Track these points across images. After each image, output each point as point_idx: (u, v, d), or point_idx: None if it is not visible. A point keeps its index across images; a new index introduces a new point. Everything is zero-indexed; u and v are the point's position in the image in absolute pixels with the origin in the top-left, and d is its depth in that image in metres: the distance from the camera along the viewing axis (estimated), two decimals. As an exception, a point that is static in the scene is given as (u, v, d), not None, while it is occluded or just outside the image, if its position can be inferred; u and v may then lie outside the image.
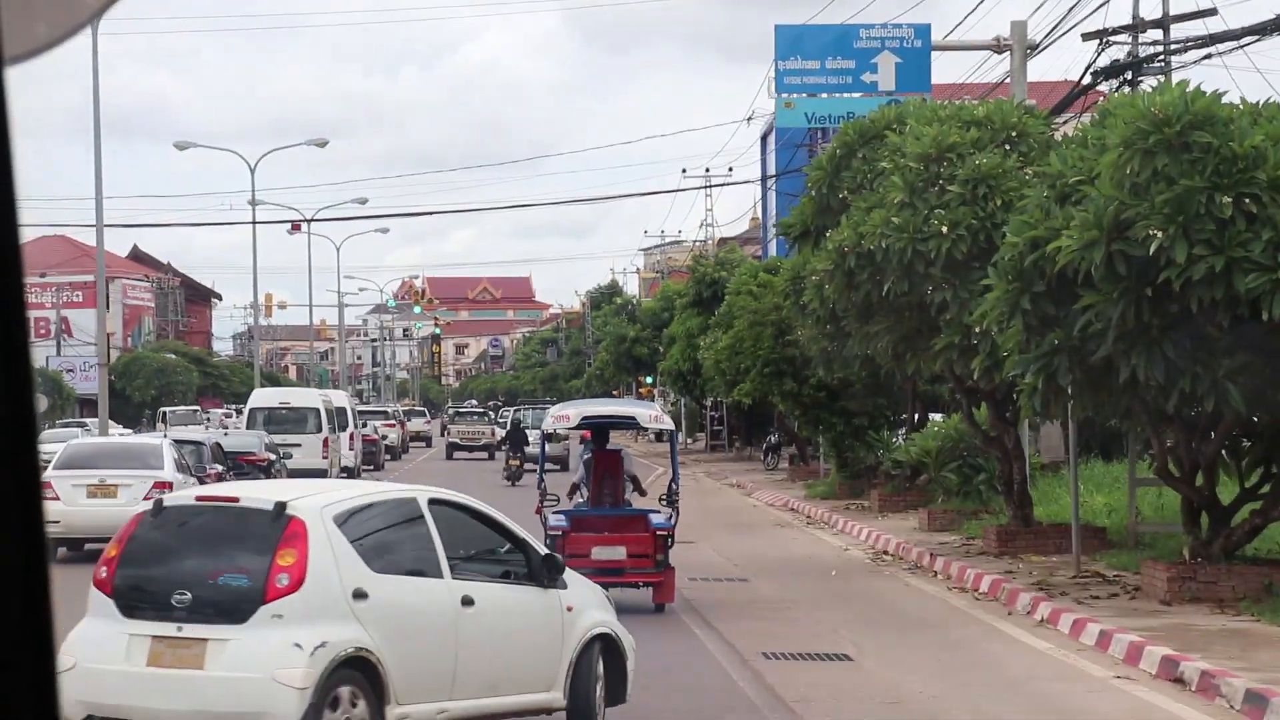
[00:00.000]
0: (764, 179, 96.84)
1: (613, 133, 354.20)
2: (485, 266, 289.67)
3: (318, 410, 47.87)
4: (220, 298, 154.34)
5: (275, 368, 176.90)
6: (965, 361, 23.68)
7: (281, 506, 11.35)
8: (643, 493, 23.03)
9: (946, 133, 24.13)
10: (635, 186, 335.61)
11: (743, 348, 42.34)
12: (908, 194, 23.84)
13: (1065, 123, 30.95)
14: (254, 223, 59.49)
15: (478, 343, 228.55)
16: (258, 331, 73.27)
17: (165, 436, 33.02)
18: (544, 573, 12.50)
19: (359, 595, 11.29)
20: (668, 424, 21.60)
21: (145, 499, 27.79)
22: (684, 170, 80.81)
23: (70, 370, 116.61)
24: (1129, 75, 31.35)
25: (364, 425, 60.10)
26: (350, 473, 52.35)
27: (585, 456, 22.32)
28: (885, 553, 28.47)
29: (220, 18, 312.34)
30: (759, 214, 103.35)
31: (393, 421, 73.90)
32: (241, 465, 37.29)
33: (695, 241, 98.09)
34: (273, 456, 39.61)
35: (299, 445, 45.49)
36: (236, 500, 11.77)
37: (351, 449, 52.34)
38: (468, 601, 11.87)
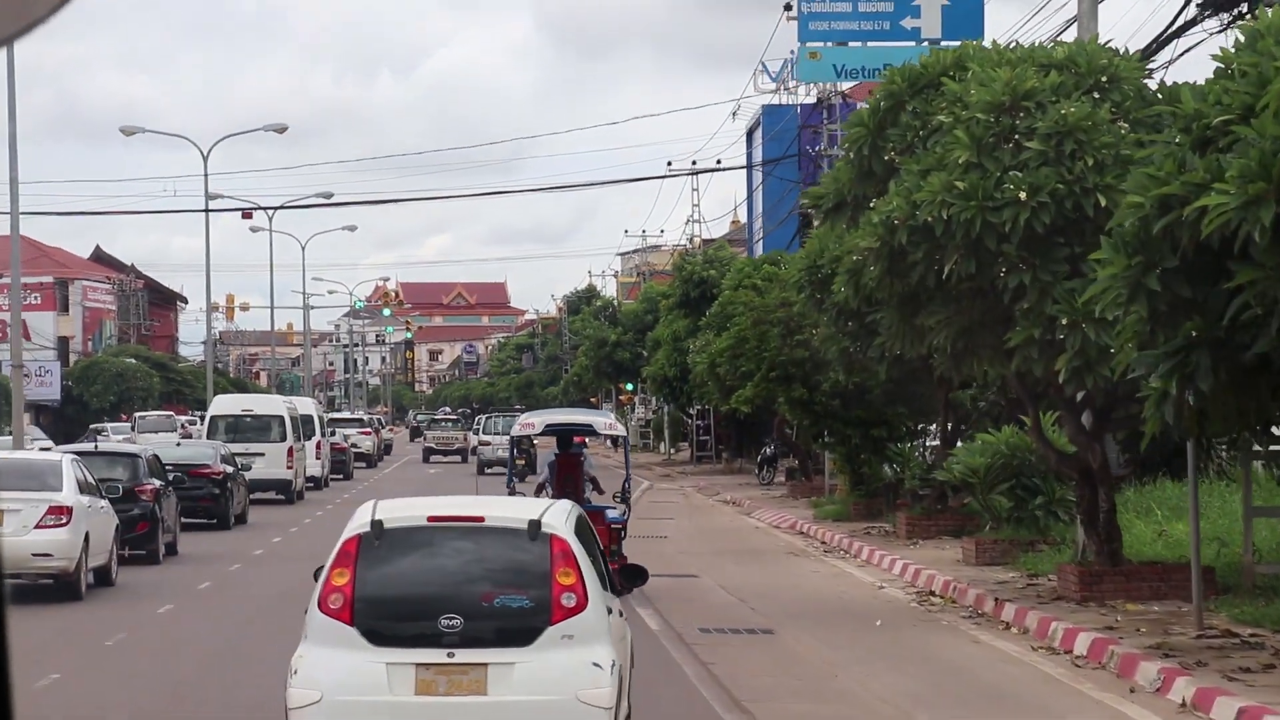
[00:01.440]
0: (750, 170, 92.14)
1: (588, 137, 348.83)
2: (461, 271, 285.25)
3: (282, 418, 46.31)
4: (186, 301, 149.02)
5: (244, 374, 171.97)
6: (1047, 360, 18.94)
7: (536, 525, 11.12)
8: (600, 491, 24.94)
9: (1022, 76, 19.37)
10: (614, 190, 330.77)
11: (745, 349, 37.50)
12: (974, 153, 19.08)
13: (1157, 69, 26.23)
14: (206, 210, 54.61)
15: (452, 348, 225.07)
16: (210, 331, 68.44)
17: (66, 452, 28.29)
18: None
19: (610, 611, 11.39)
20: (620, 431, 25.57)
21: (37, 527, 23.15)
22: (669, 163, 75.58)
23: (26, 375, 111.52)
24: (1244, 7, 26.57)
25: (333, 433, 59.67)
26: (317, 483, 50.93)
27: (550, 460, 25.08)
28: (931, 593, 23.67)
29: (195, 23, 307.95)
30: (740, 217, 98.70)
31: (368, 429, 73.81)
32: (196, 479, 34.96)
33: (678, 245, 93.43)
34: (229, 469, 36.93)
35: (262, 455, 44.17)
36: (482, 520, 11.37)
37: (319, 458, 51.26)
38: (618, 612, 11.96)
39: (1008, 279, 18.97)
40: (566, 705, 10.68)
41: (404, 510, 11.68)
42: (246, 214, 58.54)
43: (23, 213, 38.22)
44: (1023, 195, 18.64)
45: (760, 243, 76.10)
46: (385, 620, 10.91)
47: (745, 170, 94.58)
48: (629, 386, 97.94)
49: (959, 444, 32.25)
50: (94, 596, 24.17)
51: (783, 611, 21.95)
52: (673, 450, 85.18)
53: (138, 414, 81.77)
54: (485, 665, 10.75)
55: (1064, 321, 18.38)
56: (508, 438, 61.02)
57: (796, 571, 27.77)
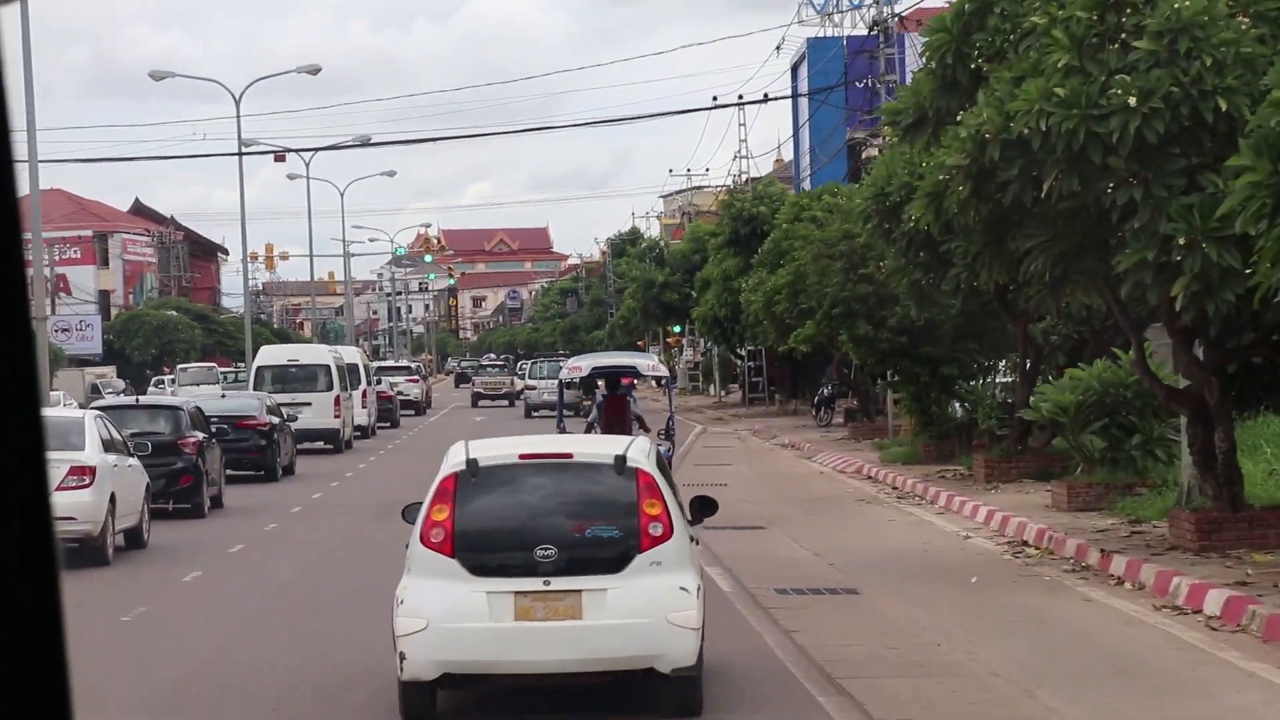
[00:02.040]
0: (795, 103, 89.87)
1: (630, 74, 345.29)
2: (502, 217, 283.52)
3: (328, 367, 46.07)
4: (227, 252, 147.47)
5: (288, 325, 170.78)
6: (1161, 285, 16.94)
7: (622, 460, 11.75)
8: (647, 430, 24.77)
9: (1128, -33, 17.30)
10: (655, 132, 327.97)
11: (805, 285, 35.42)
12: (1075, 55, 17.04)
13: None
14: (239, 154, 52.74)
15: (495, 295, 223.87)
16: (247, 280, 66.68)
17: (91, 408, 26.86)
18: None
19: (693, 540, 12.13)
20: (664, 371, 27.33)
21: (58, 489, 21.46)
22: (714, 98, 73.42)
23: (65, 330, 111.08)
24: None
25: (379, 382, 59.26)
26: (365, 431, 50.81)
27: (598, 400, 26.09)
28: (1024, 543, 21.71)
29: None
30: (784, 155, 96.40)
31: (416, 377, 73.91)
32: (242, 431, 34.48)
33: (723, 184, 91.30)
34: (275, 420, 36.34)
35: (309, 404, 43.95)
36: (570, 456, 12.06)
37: (364, 407, 50.91)
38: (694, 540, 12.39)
39: (1115, 195, 16.95)
40: (657, 627, 11.41)
41: (496, 449, 12.31)
42: (279, 157, 56.74)
43: (45, 161, 36.48)
44: (1132, 101, 16.62)
45: (808, 180, 73.91)
46: (484, 552, 11.56)
47: (791, 103, 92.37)
48: (676, 329, 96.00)
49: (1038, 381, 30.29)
50: (122, 560, 22.75)
51: (864, 567, 20.05)
52: (723, 393, 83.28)
53: (179, 366, 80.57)
54: (580, 592, 11.44)
55: (1181, 241, 16.38)
56: (554, 381, 63.22)
57: (872, 521, 25.86)
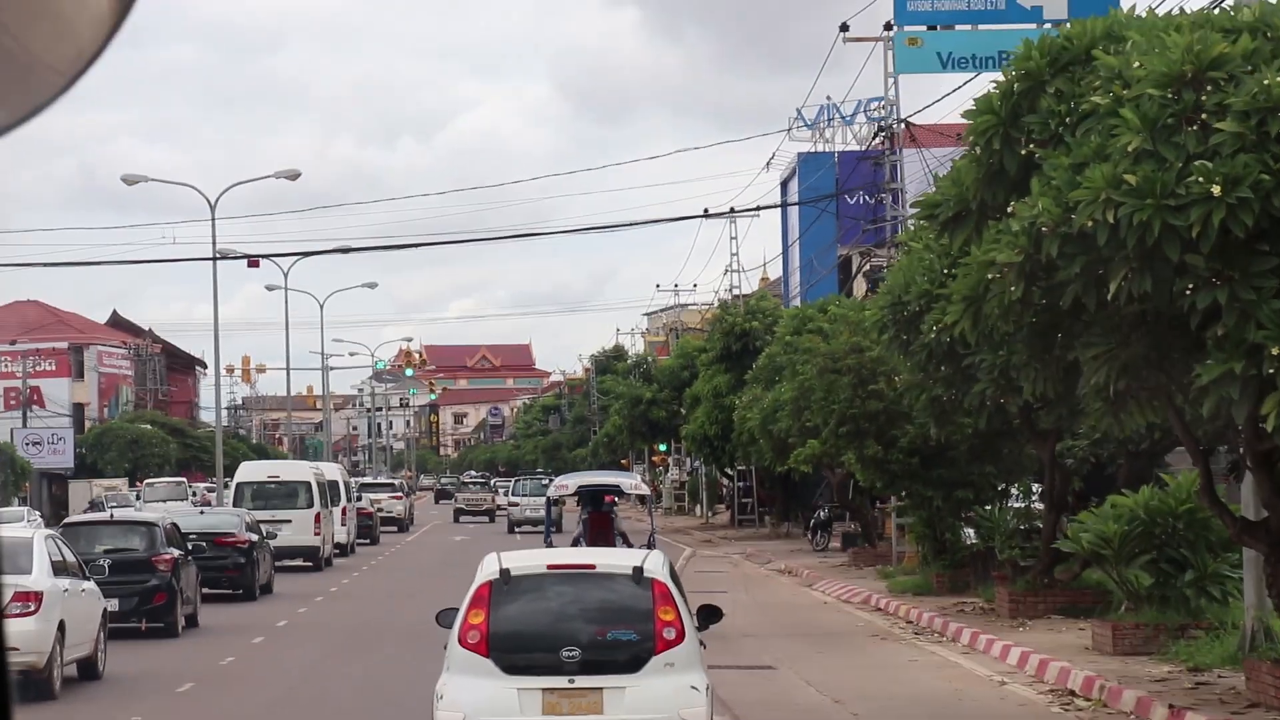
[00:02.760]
0: (785, 217, 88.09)
1: (611, 204, 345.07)
2: (484, 334, 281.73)
3: (309, 484, 45.42)
4: (205, 366, 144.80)
5: (267, 440, 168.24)
6: (1248, 402, 14.68)
7: (640, 571, 12.96)
8: (630, 545, 25.07)
9: (1206, 40, 15.17)
10: (639, 248, 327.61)
11: (810, 401, 33.16)
12: (1148, 138, 14.86)
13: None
14: (214, 259, 50.51)
15: (477, 411, 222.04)
16: (219, 390, 64.24)
17: (41, 528, 24.94)
18: None
19: (701, 644, 13.29)
20: (645, 490, 29.44)
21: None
22: (706, 209, 71.31)
23: (36, 443, 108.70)
24: None
25: (359, 499, 59.09)
26: (344, 549, 50.03)
27: (584, 516, 27.37)
28: (1071, 692, 19.30)
29: (218, 94, 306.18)
30: (770, 274, 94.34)
31: (399, 494, 74.13)
32: (220, 548, 34.09)
33: (708, 304, 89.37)
34: (254, 537, 35.48)
35: (289, 521, 43.18)
36: (593, 567, 13.36)
37: (344, 524, 50.45)
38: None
39: (1195, 298, 14.72)
40: None
41: (526, 560, 13.55)
42: (253, 262, 54.51)
43: (9, 264, 34.17)
44: (1215, 190, 14.42)
45: (797, 298, 71.86)
46: (515, 652, 12.67)
47: (780, 219, 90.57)
48: (662, 447, 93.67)
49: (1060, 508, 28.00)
50: (71, 695, 20.73)
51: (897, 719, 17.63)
52: (710, 514, 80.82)
53: (146, 481, 78.74)
54: (601, 690, 12.54)
55: (1274, 352, 14.17)
56: (538, 498, 61.20)
57: (891, 661, 23.44)
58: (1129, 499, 22.34)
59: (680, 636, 12.69)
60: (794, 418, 35.29)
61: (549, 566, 13.24)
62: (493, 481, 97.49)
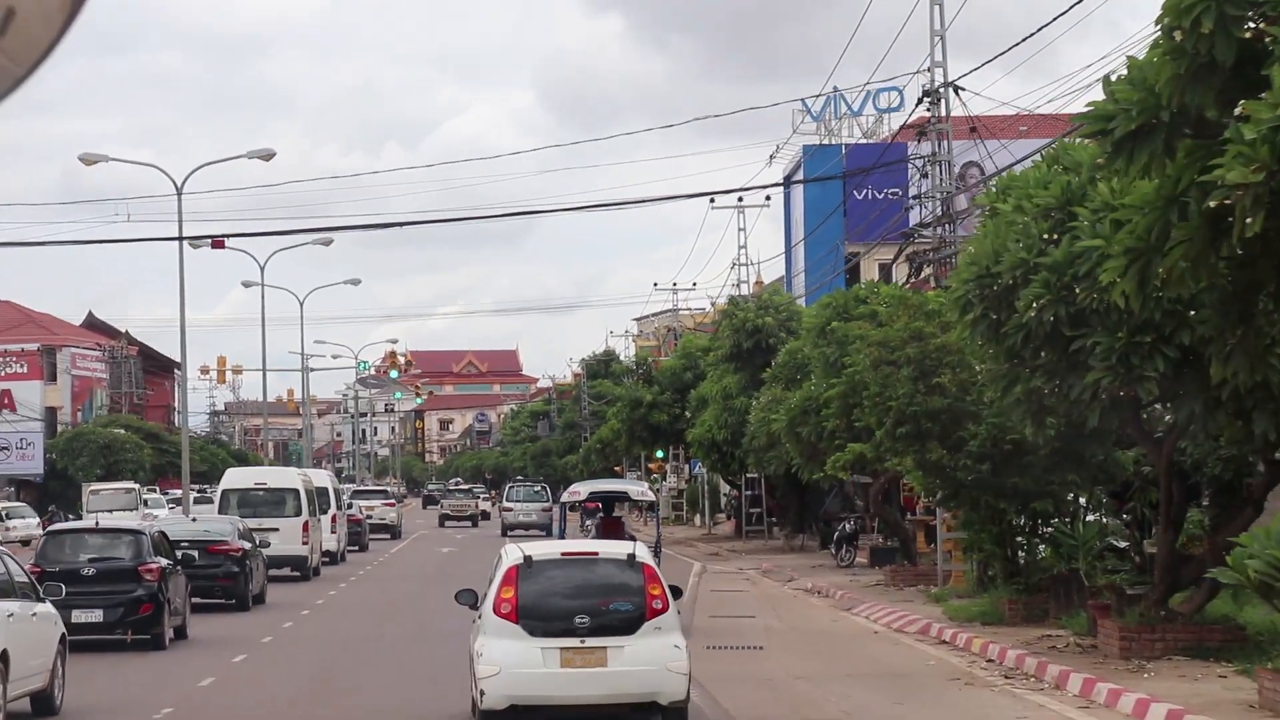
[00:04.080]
0: (788, 209, 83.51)
1: (600, 208, 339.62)
2: (470, 338, 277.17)
3: (297, 491, 44.45)
4: (182, 369, 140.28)
5: (248, 446, 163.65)
6: None
7: (632, 556, 16.98)
8: None
9: None
10: (628, 257, 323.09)
11: (861, 399, 28.32)
12: None
13: None
14: (180, 238, 45.84)
15: (463, 417, 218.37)
16: (185, 389, 59.61)
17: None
18: None
19: (677, 612, 17.05)
20: (651, 497, 31.55)
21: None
22: (712, 200, 67.02)
23: (4, 448, 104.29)
24: None
25: (350, 506, 58.48)
26: (333, 557, 49.06)
27: (595, 520, 32.05)
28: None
29: (203, 101, 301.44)
30: (764, 278, 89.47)
31: (391, 501, 74.33)
32: (213, 557, 33.20)
33: (715, 295, 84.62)
34: (247, 545, 34.52)
35: (276, 530, 41.93)
36: (596, 554, 17.54)
37: (334, 532, 49.60)
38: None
39: None
40: (659, 673, 16.42)
41: (543, 549, 17.82)
42: (218, 243, 49.65)
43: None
44: None
45: (803, 299, 67.14)
46: (538, 620, 16.53)
47: (784, 215, 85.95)
48: (660, 454, 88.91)
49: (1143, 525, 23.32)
50: None
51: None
52: (711, 523, 76.05)
53: (90, 488, 74.77)
54: (605, 648, 16.44)
55: None
56: (531, 504, 69.59)
57: (993, 718, 18.71)
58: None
59: (665, 606, 16.61)
60: (841, 417, 30.58)
61: (562, 554, 17.35)
62: (475, 489, 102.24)
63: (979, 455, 26.57)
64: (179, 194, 47.94)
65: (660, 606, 16.43)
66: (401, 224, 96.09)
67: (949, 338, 26.18)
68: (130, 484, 78.66)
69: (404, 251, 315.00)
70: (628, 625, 16.34)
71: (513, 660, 16.13)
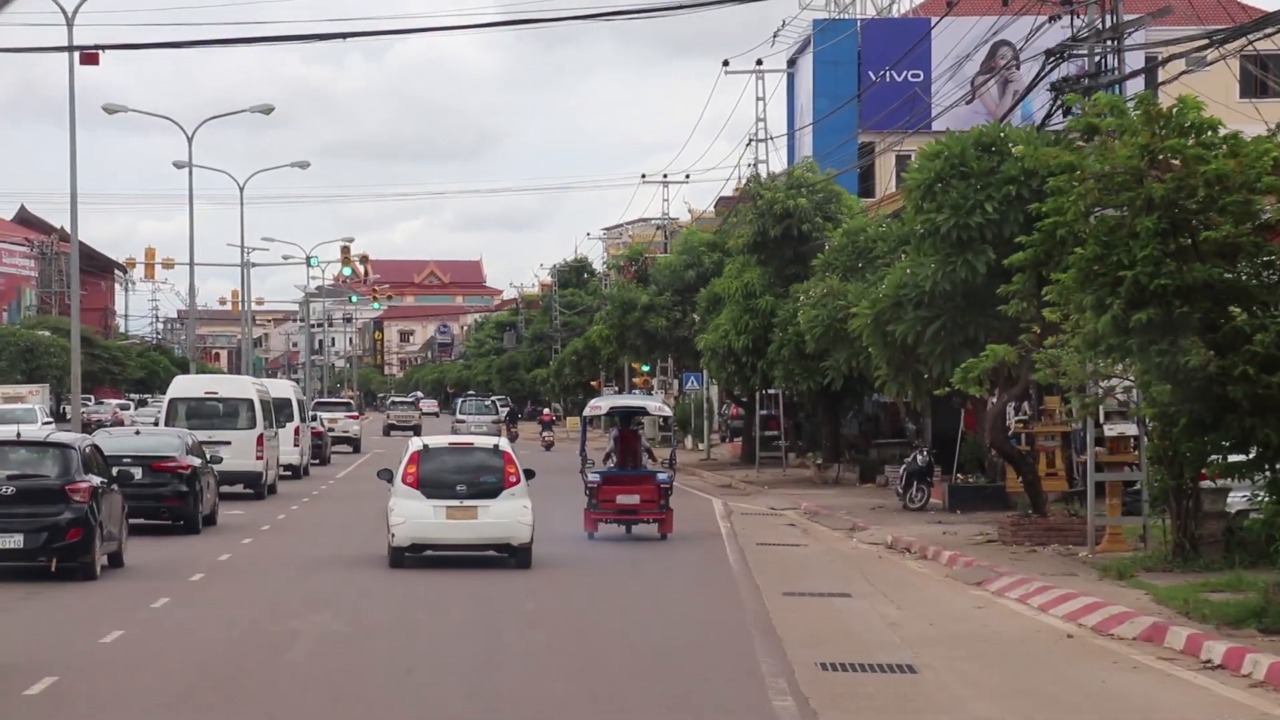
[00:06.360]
0: (791, 96, 73.06)
1: (566, 124, 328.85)
2: (433, 252, 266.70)
3: (251, 401, 42.40)
4: (125, 270, 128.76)
5: (195, 356, 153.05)
6: None
7: (497, 446, 26.25)
8: (654, 459, 32.15)
9: None
10: (596, 172, 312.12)
11: (1058, 264, 17.58)
12: None
13: None
14: (70, 49, 35.68)
15: (424, 329, 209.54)
16: (75, 276, 49.35)
17: None
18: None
19: (525, 484, 25.65)
20: (668, 411, 35.67)
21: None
22: (726, 62, 56.14)
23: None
24: None
25: (314, 418, 57.91)
26: (296, 471, 48.01)
27: (614, 433, 32.27)
28: None
29: (165, 17, 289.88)
30: (758, 171, 79.10)
31: (355, 414, 76.96)
32: (159, 474, 31.08)
33: (744, 174, 74.01)
34: (197, 462, 32.25)
35: (228, 443, 39.75)
36: (472, 444, 26.77)
37: (297, 445, 48.24)
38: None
39: None
40: (513, 524, 24.94)
41: (437, 439, 27.03)
42: (90, 57, 38.63)
43: None
44: None
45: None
46: (432, 486, 25.08)
47: (787, 97, 75.61)
48: (645, 368, 78.61)
49: None
50: None
51: None
52: (709, 447, 65.69)
53: None
54: (477, 507, 25.01)
55: None
56: (481, 416, 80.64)
57: None
58: None
59: (518, 480, 25.27)
60: (1029, 299, 20.08)
61: (450, 444, 26.51)
62: (419, 398, 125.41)
63: (1267, 359, 16.07)
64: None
65: (514, 480, 25.29)
66: (350, 35, 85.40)
67: (1227, 164, 15.64)
68: (35, 387, 69.51)
69: (366, 164, 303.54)
70: (492, 491, 25.15)
71: (413, 513, 24.95)
